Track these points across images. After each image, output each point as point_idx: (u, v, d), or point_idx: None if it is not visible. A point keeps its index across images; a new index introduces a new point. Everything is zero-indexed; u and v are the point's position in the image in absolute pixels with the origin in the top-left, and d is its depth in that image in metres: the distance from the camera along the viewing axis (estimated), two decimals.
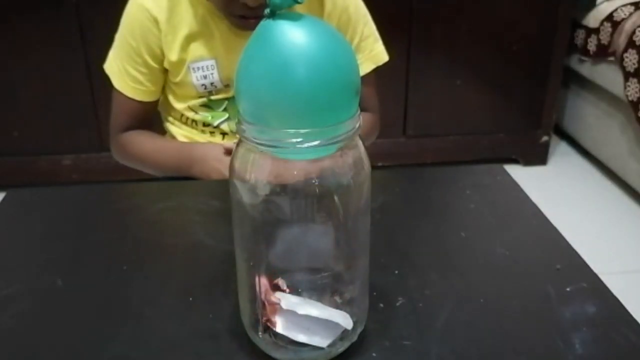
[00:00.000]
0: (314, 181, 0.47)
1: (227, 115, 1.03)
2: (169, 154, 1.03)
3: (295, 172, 0.47)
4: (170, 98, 1.04)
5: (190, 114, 1.03)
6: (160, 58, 0.98)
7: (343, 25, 1.00)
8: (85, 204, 0.82)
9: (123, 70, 0.99)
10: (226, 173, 1.04)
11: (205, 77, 0.97)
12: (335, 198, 0.48)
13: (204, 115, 1.03)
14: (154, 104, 1.06)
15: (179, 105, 1.03)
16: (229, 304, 0.59)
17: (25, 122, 1.99)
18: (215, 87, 0.99)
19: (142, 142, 1.04)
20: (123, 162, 1.09)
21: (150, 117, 1.08)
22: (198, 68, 0.97)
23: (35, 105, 1.97)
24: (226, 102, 1.01)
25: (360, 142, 0.49)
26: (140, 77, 0.99)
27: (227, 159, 0.97)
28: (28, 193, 0.86)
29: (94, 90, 1.92)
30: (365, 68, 1.04)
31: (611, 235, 1.85)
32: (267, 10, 0.43)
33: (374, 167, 0.50)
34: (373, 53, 1.05)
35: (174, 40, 0.96)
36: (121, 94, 1.01)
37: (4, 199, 0.81)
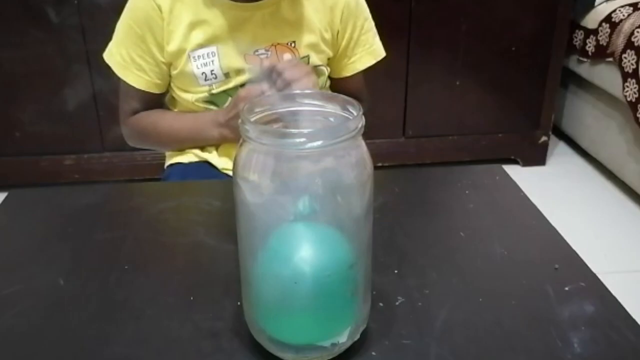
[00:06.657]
0: (316, 181, 0.48)
1: None
2: (184, 123, 1.03)
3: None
4: (175, 94, 1.04)
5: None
6: (165, 50, 0.97)
7: (344, 19, 1.02)
8: (86, 204, 0.82)
9: (127, 58, 0.98)
10: (233, 135, 0.97)
11: (205, 64, 0.97)
12: (338, 197, 0.48)
13: None
14: (161, 95, 1.05)
15: (182, 104, 1.04)
16: (230, 303, 0.60)
17: (27, 122, 1.99)
18: (215, 76, 0.98)
19: (156, 116, 1.04)
20: (135, 143, 1.09)
21: (161, 103, 1.07)
22: (199, 56, 0.97)
23: (36, 106, 1.97)
24: (229, 99, 1.01)
25: (362, 142, 0.49)
26: (145, 66, 0.99)
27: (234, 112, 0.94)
28: (30, 193, 0.87)
29: (96, 91, 1.92)
30: (366, 61, 1.07)
31: (609, 235, 1.85)
32: None
33: (373, 168, 0.51)
34: (372, 48, 1.08)
35: (176, 29, 0.96)
36: (125, 82, 1.00)
37: (5, 199, 0.82)
